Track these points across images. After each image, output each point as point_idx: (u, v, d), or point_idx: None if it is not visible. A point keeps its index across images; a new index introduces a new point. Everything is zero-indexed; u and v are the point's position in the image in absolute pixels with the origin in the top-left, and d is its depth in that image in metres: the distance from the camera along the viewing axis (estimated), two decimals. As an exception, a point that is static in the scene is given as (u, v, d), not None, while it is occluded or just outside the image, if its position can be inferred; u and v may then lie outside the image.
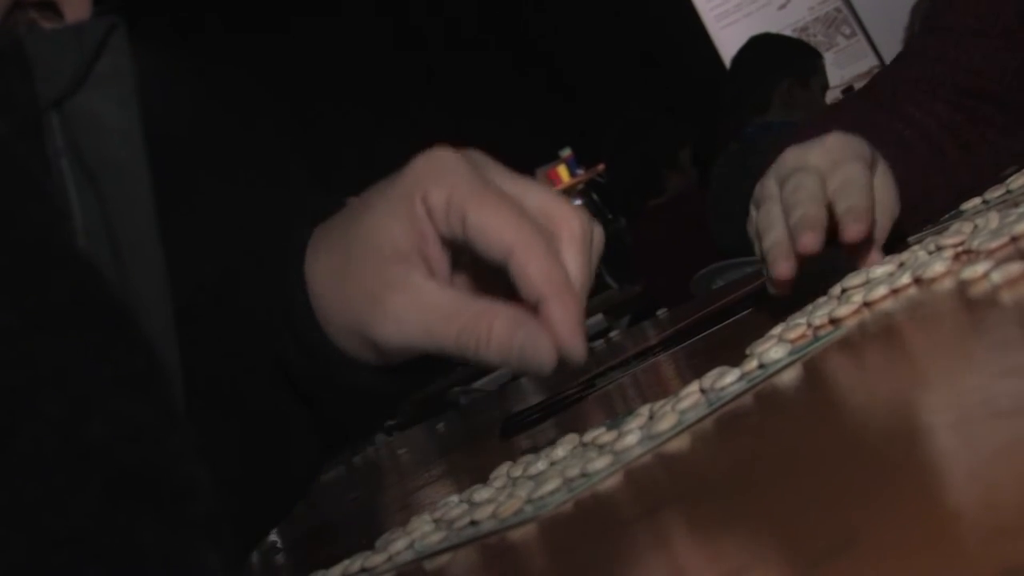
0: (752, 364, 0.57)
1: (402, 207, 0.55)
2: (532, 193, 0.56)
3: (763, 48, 3.13)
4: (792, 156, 0.80)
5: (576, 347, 0.52)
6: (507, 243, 0.52)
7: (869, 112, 1.01)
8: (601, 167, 6.02)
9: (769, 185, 0.81)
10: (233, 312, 0.63)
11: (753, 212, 0.86)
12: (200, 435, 0.64)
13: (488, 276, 0.57)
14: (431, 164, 0.56)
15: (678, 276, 2.99)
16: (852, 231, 0.69)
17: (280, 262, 0.61)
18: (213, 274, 0.66)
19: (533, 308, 0.53)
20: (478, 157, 0.58)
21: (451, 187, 0.54)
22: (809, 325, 0.61)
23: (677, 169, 3.40)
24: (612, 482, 0.50)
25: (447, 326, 0.54)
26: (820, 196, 0.73)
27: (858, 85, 5.40)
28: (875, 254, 0.73)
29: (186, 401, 0.58)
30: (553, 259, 0.53)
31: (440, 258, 0.56)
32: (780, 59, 3.02)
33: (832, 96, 5.36)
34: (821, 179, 0.74)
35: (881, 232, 0.75)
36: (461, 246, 0.55)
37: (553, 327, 0.52)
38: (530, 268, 0.52)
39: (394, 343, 0.56)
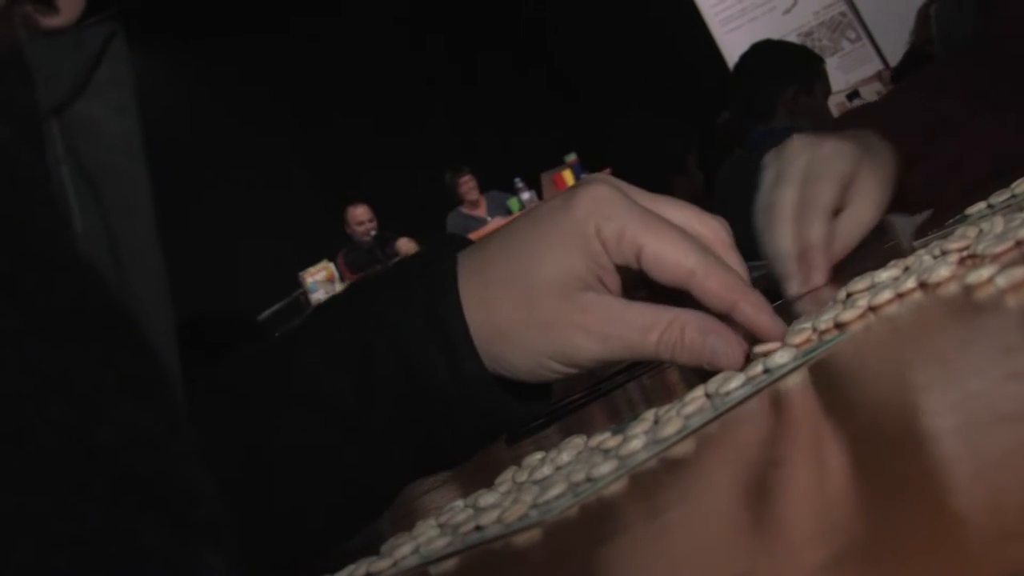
0: (757, 369, 0.57)
1: (578, 241, 0.61)
2: (678, 210, 0.64)
3: (766, 55, 3.14)
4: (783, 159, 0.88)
5: (774, 329, 0.59)
6: (687, 269, 0.59)
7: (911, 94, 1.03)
8: (607, 172, 6.02)
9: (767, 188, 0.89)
10: (375, 337, 0.66)
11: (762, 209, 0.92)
12: (299, 438, 0.65)
13: (652, 290, 0.64)
14: (595, 198, 0.61)
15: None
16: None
17: (428, 295, 0.64)
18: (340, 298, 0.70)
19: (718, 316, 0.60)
20: (621, 184, 0.64)
21: (621, 220, 0.61)
22: (814, 329, 0.61)
23: (684, 174, 3.40)
24: (617, 487, 0.50)
25: (646, 336, 0.60)
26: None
27: (863, 89, 5.40)
28: (817, 275, 0.80)
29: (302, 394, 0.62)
30: (728, 270, 0.60)
31: (615, 282, 0.63)
32: (784, 66, 3.03)
33: (837, 100, 5.37)
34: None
35: (827, 259, 0.85)
36: (631, 270, 0.62)
37: (750, 323, 0.59)
38: (713, 285, 0.59)
39: (595, 358, 0.62)
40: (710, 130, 3.93)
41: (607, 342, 0.61)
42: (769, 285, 1.00)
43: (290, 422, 0.66)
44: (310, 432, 0.66)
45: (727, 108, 3.14)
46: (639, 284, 0.64)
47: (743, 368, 0.58)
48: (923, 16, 4.03)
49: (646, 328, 0.60)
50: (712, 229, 0.64)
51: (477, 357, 0.64)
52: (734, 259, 0.63)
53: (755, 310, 0.59)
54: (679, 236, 0.61)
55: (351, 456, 0.67)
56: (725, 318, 0.60)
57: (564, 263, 0.61)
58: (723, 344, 0.59)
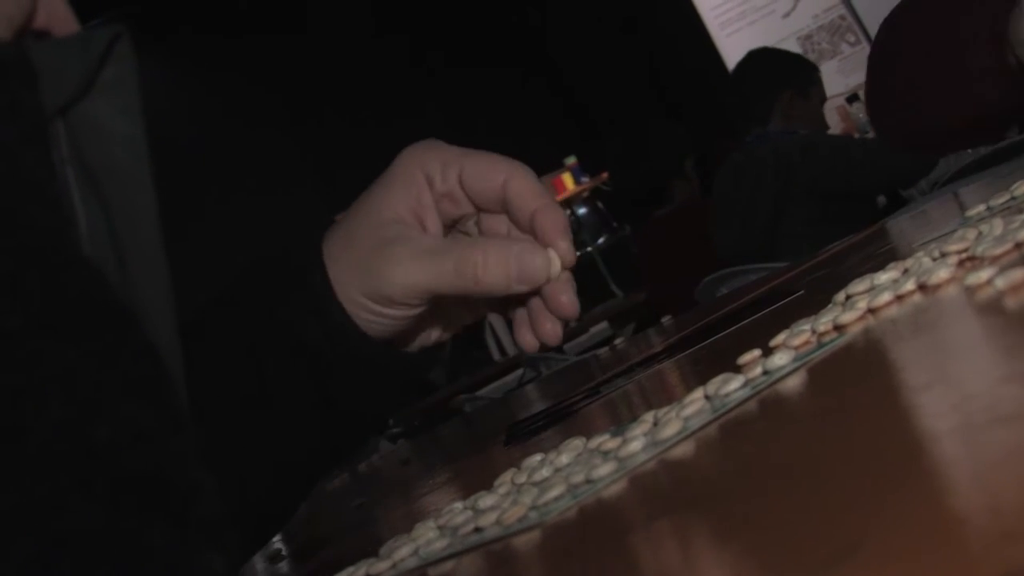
0: (756, 371, 0.57)
1: (399, 180, 0.64)
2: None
3: (762, 62, 3.17)
4: None
5: (566, 247, 0.62)
6: (501, 174, 0.64)
7: None
8: (606, 176, 6.02)
9: None
10: (256, 305, 0.67)
11: None
12: (217, 429, 0.65)
13: None
14: (421, 145, 0.66)
15: (682, 284, 3.00)
16: None
17: (301, 253, 0.67)
18: (236, 270, 0.71)
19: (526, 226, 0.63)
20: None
21: (444, 153, 0.65)
22: (813, 331, 0.61)
23: (683, 177, 3.41)
24: (616, 488, 0.50)
25: (444, 261, 0.62)
26: None
27: (863, 92, 5.41)
28: None
29: (207, 395, 0.62)
30: (539, 182, 0.64)
31: (435, 221, 0.65)
32: (780, 71, 3.06)
33: (837, 103, 5.37)
34: None
35: None
36: (455, 200, 0.65)
37: (547, 231, 0.62)
38: (524, 188, 0.63)
39: (399, 286, 0.63)
40: (709, 133, 3.94)
41: (410, 268, 0.62)
42: (771, 285, 1.00)
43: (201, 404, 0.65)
44: (214, 416, 0.65)
45: (724, 113, 3.16)
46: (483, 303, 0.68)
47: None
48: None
49: (444, 252, 0.62)
50: (521, 166, 0.66)
51: (341, 309, 0.65)
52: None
53: (555, 218, 0.63)
54: (497, 157, 0.65)
55: (257, 432, 0.67)
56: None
57: (382, 200, 0.64)
58: (529, 252, 0.61)
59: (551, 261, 0.62)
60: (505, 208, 0.64)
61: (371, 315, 0.65)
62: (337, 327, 0.65)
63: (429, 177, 0.64)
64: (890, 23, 1.17)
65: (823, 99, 3.15)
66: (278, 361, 0.66)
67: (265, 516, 0.70)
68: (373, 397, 0.69)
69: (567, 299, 0.62)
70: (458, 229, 0.67)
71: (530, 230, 0.63)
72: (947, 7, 1.08)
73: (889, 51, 1.13)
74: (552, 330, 0.64)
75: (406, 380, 0.69)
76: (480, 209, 0.65)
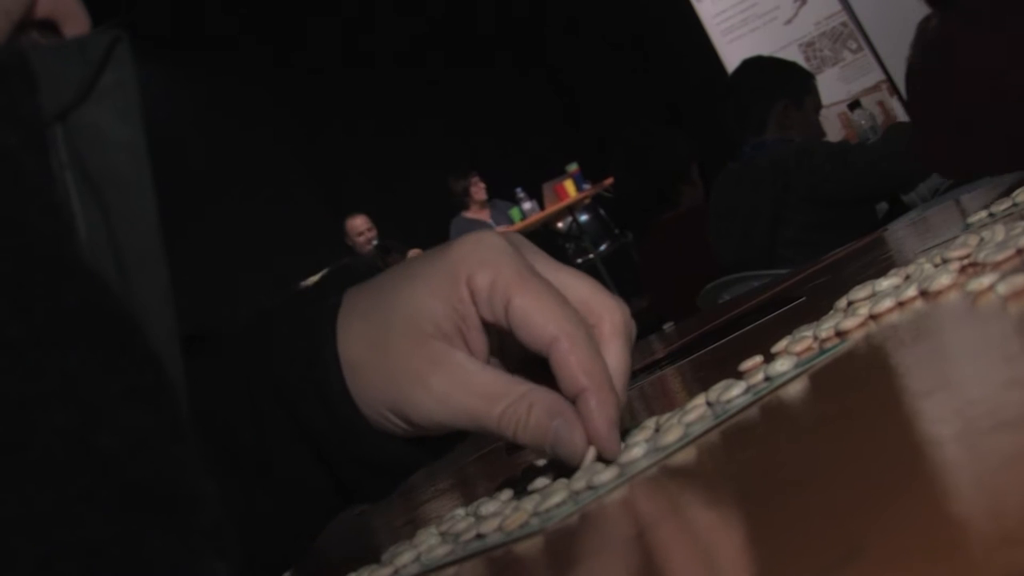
0: (758, 376, 0.57)
1: (445, 287, 0.56)
2: (574, 282, 0.58)
3: (758, 70, 3.17)
4: None
5: (610, 443, 0.53)
6: (550, 333, 0.54)
7: None
8: (608, 181, 6.02)
9: None
10: (260, 368, 0.62)
11: None
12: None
13: (523, 360, 0.58)
14: (476, 246, 0.56)
15: (683, 291, 3.00)
16: None
17: (310, 325, 0.60)
18: (239, 325, 0.66)
19: (571, 399, 0.54)
20: (521, 241, 0.58)
21: (496, 271, 0.55)
22: (815, 338, 0.61)
23: (689, 182, 3.41)
24: (618, 495, 0.50)
25: (490, 408, 0.55)
26: None
27: (865, 99, 5.41)
28: None
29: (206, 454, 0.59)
30: (594, 352, 0.54)
31: (479, 341, 0.57)
32: (775, 80, 3.07)
33: (838, 110, 5.37)
34: None
35: None
36: (501, 331, 0.56)
37: (590, 421, 0.53)
38: (571, 360, 0.53)
39: (435, 421, 0.56)
40: (710, 139, 3.95)
41: (447, 404, 0.55)
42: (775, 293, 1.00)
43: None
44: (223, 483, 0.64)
45: (719, 122, 3.17)
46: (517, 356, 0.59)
47: (577, 469, 0.53)
48: (922, 30, 4.05)
49: (492, 397, 0.55)
50: (608, 309, 0.57)
51: (350, 403, 0.59)
52: (616, 348, 0.57)
53: (600, 408, 0.53)
54: (554, 299, 0.55)
55: (264, 505, 0.64)
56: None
57: (425, 304, 0.56)
58: (568, 431, 0.53)
59: (590, 451, 0.54)
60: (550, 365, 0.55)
61: (392, 427, 0.59)
62: (348, 424, 0.60)
63: (475, 293, 0.56)
64: (925, 51, 1.18)
65: (818, 107, 3.15)
66: (282, 440, 0.62)
67: (272, 563, 0.70)
68: (377, 482, 0.65)
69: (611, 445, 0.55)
70: None
71: (569, 397, 0.54)
72: (985, 36, 1.09)
73: (920, 69, 1.14)
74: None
75: (416, 468, 0.65)
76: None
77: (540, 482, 0.60)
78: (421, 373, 0.56)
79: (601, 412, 0.53)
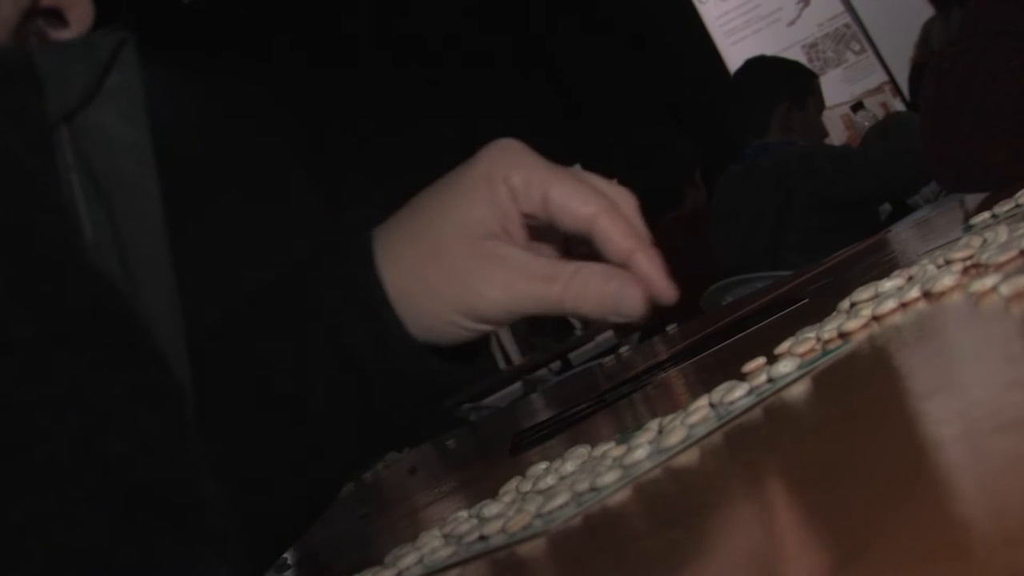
0: (761, 378, 0.57)
1: (485, 191, 0.61)
2: (586, 175, 0.63)
3: (760, 71, 3.14)
4: None
5: (667, 288, 0.60)
6: (590, 212, 0.60)
7: None
8: (612, 182, 6.01)
9: None
10: (297, 310, 0.64)
11: None
12: (248, 439, 0.64)
13: (557, 249, 0.64)
14: (504, 151, 0.62)
15: (685, 292, 2.99)
16: None
17: (343, 260, 0.63)
18: (273, 273, 0.67)
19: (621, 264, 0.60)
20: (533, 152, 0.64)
21: (528, 170, 0.61)
22: (818, 339, 0.61)
23: (691, 184, 3.41)
24: (621, 496, 0.50)
25: (551, 287, 0.60)
26: None
27: (868, 101, 5.41)
28: None
29: (244, 402, 0.62)
30: (630, 221, 0.61)
31: (520, 235, 0.62)
32: (777, 82, 3.04)
33: (841, 111, 5.37)
34: None
35: None
36: (539, 222, 0.62)
37: (646, 275, 0.60)
38: (615, 230, 0.60)
39: (502, 308, 0.61)
40: (712, 141, 3.95)
41: (512, 291, 0.60)
42: (775, 293, 1.00)
43: (234, 417, 0.64)
44: (254, 425, 0.64)
45: (721, 124, 3.15)
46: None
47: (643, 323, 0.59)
48: (926, 32, 4.04)
49: (550, 278, 0.60)
50: (621, 195, 0.63)
51: (400, 324, 0.62)
52: (640, 221, 0.62)
53: (651, 263, 0.60)
54: (585, 184, 0.61)
55: (295, 443, 0.65)
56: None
57: (469, 210, 0.61)
58: (628, 288, 0.59)
59: (648, 299, 0.60)
60: (592, 242, 0.61)
61: (458, 329, 0.62)
62: (392, 342, 0.62)
63: (513, 191, 0.61)
64: (942, 72, 1.18)
65: (821, 108, 3.13)
66: (327, 377, 0.63)
67: (288, 525, 0.70)
68: (416, 410, 0.67)
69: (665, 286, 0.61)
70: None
71: (623, 265, 0.61)
72: (1001, 54, 1.09)
73: (946, 101, 1.14)
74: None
75: (451, 390, 0.67)
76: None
77: (543, 484, 0.60)
78: (482, 268, 0.61)
79: (653, 264, 0.60)
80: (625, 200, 0.63)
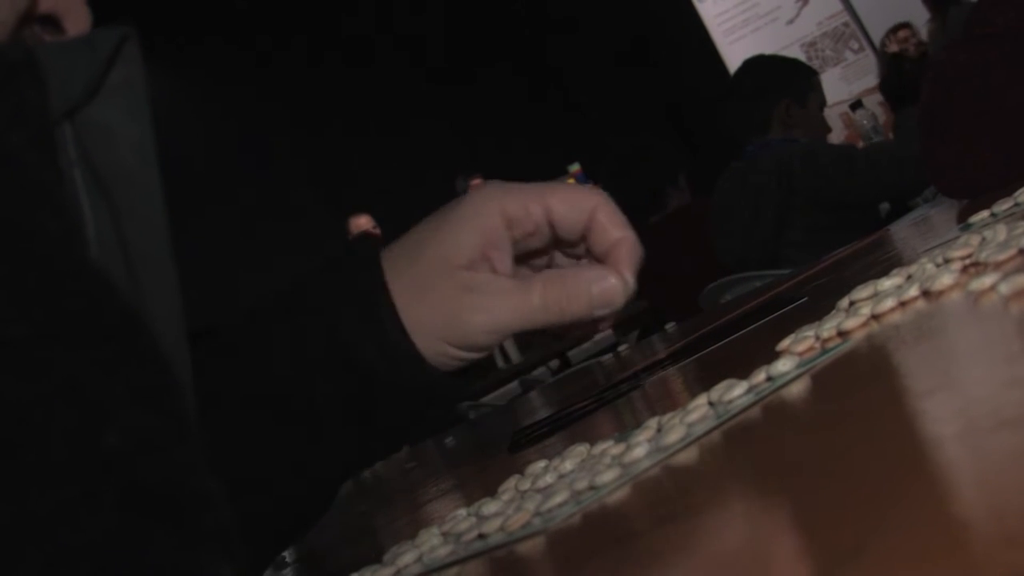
0: (760, 376, 0.57)
1: (469, 223, 0.64)
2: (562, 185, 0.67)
3: (760, 69, 3.14)
4: None
5: (631, 279, 0.64)
6: (590, 205, 0.65)
7: None
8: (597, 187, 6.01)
9: None
10: (306, 321, 0.66)
11: None
12: (252, 437, 0.64)
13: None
14: (495, 189, 0.66)
15: (681, 291, 3.00)
16: None
17: (353, 276, 0.66)
18: (292, 283, 0.69)
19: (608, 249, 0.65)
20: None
21: (520, 193, 0.65)
22: (817, 337, 0.61)
23: (677, 188, 3.41)
24: (620, 494, 0.50)
25: (529, 298, 0.63)
26: None
27: (866, 99, 5.41)
28: None
29: (249, 403, 0.63)
30: (620, 212, 0.66)
31: (505, 259, 0.65)
32: (777, 79, 3.04)
33: (840, 110, 5.37)
34: None
35: None
36: (541, 235, 0.66)
37: (621, 262, 0.64)
38: (611, 218, 0.65)
39: (487, 331, 0.64)
40: (709, 140, 3.95)
41: (494, 312, 0.63)
42: (773, 293, 1.00)
43: (236, 418, 0.65)
44: (255, 425, 0.65)
45: (722, 122, 3.15)
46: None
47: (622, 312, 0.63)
48: (933, 32, 4.04)
49: (527, 289, 0.63)
50: (601, 196, 0.67)
51: (402, 329, 0.64)
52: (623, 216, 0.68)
53: (631, 254, 0.65)
54: (574, 188, 0.67)
55: (296, 443, 0.66)
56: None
57: (451, 242, 0.64)
58: (603, 278, 0.63)
59: (626, 283, 0.64)
60: (585, 237, 0.66)
61: (451, 360, 0.65)
62: (397, 352, 0.64)
63: (512, 219, 0.65)
64: (939, 77, 1.18)
65: (822, 104, 3.13)
66: (329, 378, 0.65)
67: (289, 526, 0.70)
68: (418, 420, 0.68)
69: (605, 325, 0.66)
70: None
71: (600, 257, 0.65)
72: (994, 55, 1.10)
73: (941, 105, 1.15)
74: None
75: (451, 403, 0.69)
76: (561, 241, 0.67)
77: (542, 482, 0.60)
78: (463, 298, 0.63)
79: (633, 254, 0.65)
80: (607, 199, 0.67)
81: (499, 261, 0.65)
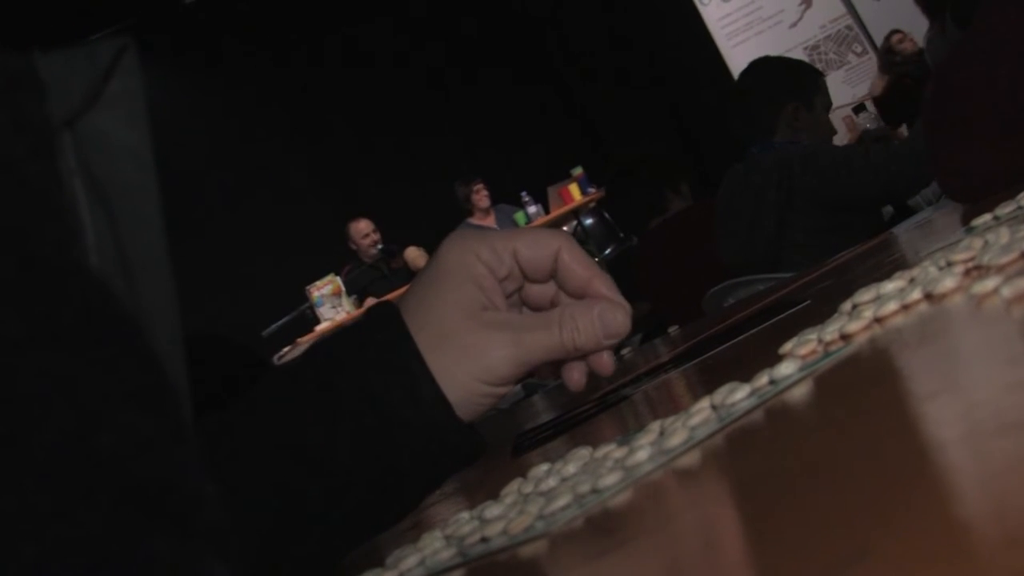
0: (763, 380, 0.57)
1: (464, 272, 0.68)
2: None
3: (766, 71, 3.12)
4: None
5: (624, 305, 0.68)
6: (555, 245, 0.69)
7: None
8: (599, 193, 6.02)
9: None
10: (332, 377, 0.68)
11: None
12: (276, 493, 0.65)
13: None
14: (461, 238, 0.70)
15: (684, 295, 3.00)
16: None
17: (377, 331, 0.68)
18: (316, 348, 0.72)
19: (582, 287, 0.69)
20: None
21: (488, 240, 0.69)
22: (820, 341, 0.61)
23: (679, 193, 3.41)
24: (623, 498, 0.50)
25: (551, 332, 0.67)
26: None
27: (869, 102, 5.41)
28: None
29: (276, 460, 0.65)
30: (583, 251, 0.70)
31: (502, 301, 0.69)
32: (783, 82, 3.02)
33: (843, 113, 5.37)
34: None
35: None
36: (514, 278, 0.70)
37: (607, 295, 0.68)
38: (576, 258, 0.69)
39: (515, 364, 0.67)
40: (712, 142, 3.95)
41: (520, 345, 0.67)
42: (775, 296, 1.00)
43: (261, 468, 0.66)
44: (278, 473, 0.66)
45: (727, 126, 3.13)
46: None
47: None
48: (935, 38, 4.04)
49: (547, 324, 0.67)
50: (564, 236, 0.71)
51: (431, 379, 0.66)
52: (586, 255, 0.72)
53: (609, 283, 0.69)
54: (541, 230, 0.71)
55: (317, 494, 0.66)
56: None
57: (461, 292, 0.68)
58: (608, 311, 0.67)
59: (627, 310, 0.68)
60: (554, 276, 0.70)
61: (481, 397, 0.67)
62: (427, 398, 0.66)
63: (488, 264, 0.68)
64: (943, 80, 1.19)
65: (828, 106, 3.12)
66: (359, 430, 0.66)
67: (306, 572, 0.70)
68: (440, 473, 0.70)
69: (607, 359, 0.68)
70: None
71: (581, 295, 0.69)
72: (991, 58, 1.10)
73: (943, 102, 1.15)
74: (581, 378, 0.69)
75: (471, 457, 0.70)
76: (529, 280, 0.70)
77: (545, 486, 0.60)
78: (490, 335, 0.67)
79: (611, 286, 0.69)
80: (569, 238, 0.71)
81: (499, 302, 0.69)
